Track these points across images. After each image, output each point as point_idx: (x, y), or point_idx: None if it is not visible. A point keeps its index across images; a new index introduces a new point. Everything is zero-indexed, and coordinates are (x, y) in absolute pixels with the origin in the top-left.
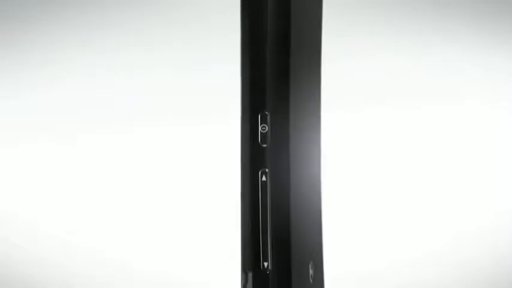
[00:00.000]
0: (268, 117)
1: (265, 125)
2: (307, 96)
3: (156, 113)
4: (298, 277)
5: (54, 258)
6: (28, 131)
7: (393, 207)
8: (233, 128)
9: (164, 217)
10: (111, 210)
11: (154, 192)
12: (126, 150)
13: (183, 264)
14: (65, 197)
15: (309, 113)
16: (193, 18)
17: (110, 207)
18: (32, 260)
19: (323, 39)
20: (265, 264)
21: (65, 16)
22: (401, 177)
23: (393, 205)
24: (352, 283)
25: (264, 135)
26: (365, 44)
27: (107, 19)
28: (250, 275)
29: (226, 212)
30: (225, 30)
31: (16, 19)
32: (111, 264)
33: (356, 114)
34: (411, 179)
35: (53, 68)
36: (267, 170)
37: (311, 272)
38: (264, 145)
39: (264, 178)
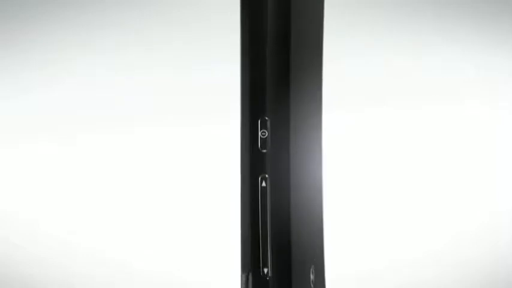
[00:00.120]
0: (268, 123)
1: (265, 131)
2: (308, 100)
3: (156, 113)
4: (299, 283)
5: (54, 258)
6: (28, 131)
7: (393, 208)
8: (233, 128)
9: (164, 217)
10: (111, 210)
11: (154, 192)
12: (126, 150)
13: (183, 264)
14: (65, 197)
15: (309, 117)
16: (193, 18)
17: (110, 207)
18: (32, 260)
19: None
20: (265, 270)
21: (65, 16)
22: (401, 178)
23: (393, 205)
24: (352, 283)
25: (263, 140)
26: (365, 44)
27: (107, 19)
28: (250, 281)
29: (226, 212)
30: (225, 30)
31: (16, 19)
32: (111, 264)
33: (356, 114)
34: (411, 179)
35: (53, 68)
36: (266, 175)
37: (312, 277)
38: (264, 150)
39: (263, 184)
